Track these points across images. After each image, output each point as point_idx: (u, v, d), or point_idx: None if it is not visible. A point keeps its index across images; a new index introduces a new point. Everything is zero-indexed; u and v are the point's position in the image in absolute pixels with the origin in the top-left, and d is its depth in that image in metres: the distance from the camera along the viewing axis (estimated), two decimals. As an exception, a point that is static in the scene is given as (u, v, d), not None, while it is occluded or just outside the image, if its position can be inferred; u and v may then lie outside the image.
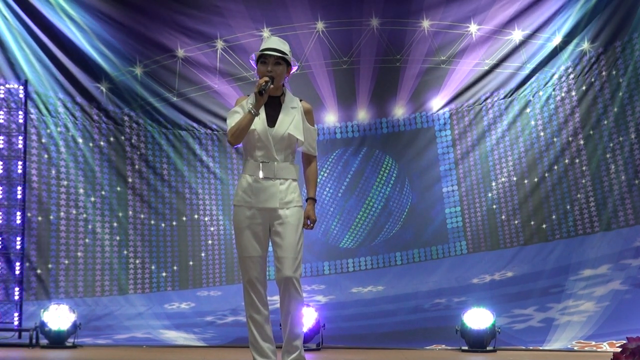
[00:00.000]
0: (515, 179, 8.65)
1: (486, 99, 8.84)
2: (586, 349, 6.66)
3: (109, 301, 8.37)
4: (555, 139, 8.52)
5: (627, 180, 8.06)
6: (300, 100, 4.43)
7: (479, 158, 8.83)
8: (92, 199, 8.55)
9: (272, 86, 4.21)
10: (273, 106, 4.30)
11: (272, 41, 4.32)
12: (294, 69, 4.38)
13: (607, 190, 8.17)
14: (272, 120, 4.28)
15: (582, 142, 8.39)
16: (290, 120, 4.29)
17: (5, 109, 7.82)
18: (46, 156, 8.34)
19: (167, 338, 7.58)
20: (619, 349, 4.09)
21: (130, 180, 8.75)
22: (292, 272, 4.20)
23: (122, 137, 8.80)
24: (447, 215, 8.83)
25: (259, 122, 4.24)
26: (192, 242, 8.86)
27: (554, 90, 8.55)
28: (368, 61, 8.98)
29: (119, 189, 8.70)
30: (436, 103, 8.99)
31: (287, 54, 4.29)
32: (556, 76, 8.55)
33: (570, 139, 8.44)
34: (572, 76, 8.46)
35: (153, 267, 8.70)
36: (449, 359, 6.42)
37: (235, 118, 4.25)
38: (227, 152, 9.09)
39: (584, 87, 8.40)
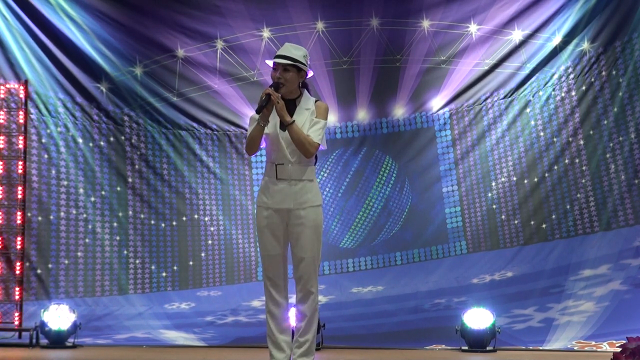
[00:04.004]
0: (515, 179, 8.65)
1: (486, 99, 8.84)
2: (586, 349, 6.66)
3: (109, 301, 8.37)
4: (555, 139, 8.52)
5: (627, 180, 8.06)
6: (317, 101, 4.48)
7: (478, 158, 8.83)
8: (92, 199, 8.55)
9: (279, 95, 4.25)
10: (287, 109, 4.32)
11: (285, 48, 4.39)
12: (309, 73, 4.44)
13: (606, 190, 8.17)
14: (284, 124, 4.32)
15: (582, 142, 8.39)
16: (302, 123, 4.34)
17: (5, 109, 7.81)
18: (46, 156, 8.34)
19: (167, 338, 7.58)
20: (619, 349, 4.10)
21: (130, 180, 8.75)
22: (309, 271, 4.36)
23: (122, 137, 8.80)
24: (447, 215, 8.83)
25: (272, 125, 4.35)
26: (192, 242, 8.86)
27: (554, 90, 8.55)
28: (368, 61, 8.97)
29: (119, 189, 8.70)
30: (436, 103, 8.99)
31: (298, 60, 4.32)
32: (556, 76, 8.55)
33: (570, 139, 8.44)
34: (572, 76, 8.46)
35: (153, 267, 8.70)
36: (449, 359, 6.42)
37: (251, 127, 4.38)
38: (227, 152, 9.09)
39: (584, 87, 8.40)
